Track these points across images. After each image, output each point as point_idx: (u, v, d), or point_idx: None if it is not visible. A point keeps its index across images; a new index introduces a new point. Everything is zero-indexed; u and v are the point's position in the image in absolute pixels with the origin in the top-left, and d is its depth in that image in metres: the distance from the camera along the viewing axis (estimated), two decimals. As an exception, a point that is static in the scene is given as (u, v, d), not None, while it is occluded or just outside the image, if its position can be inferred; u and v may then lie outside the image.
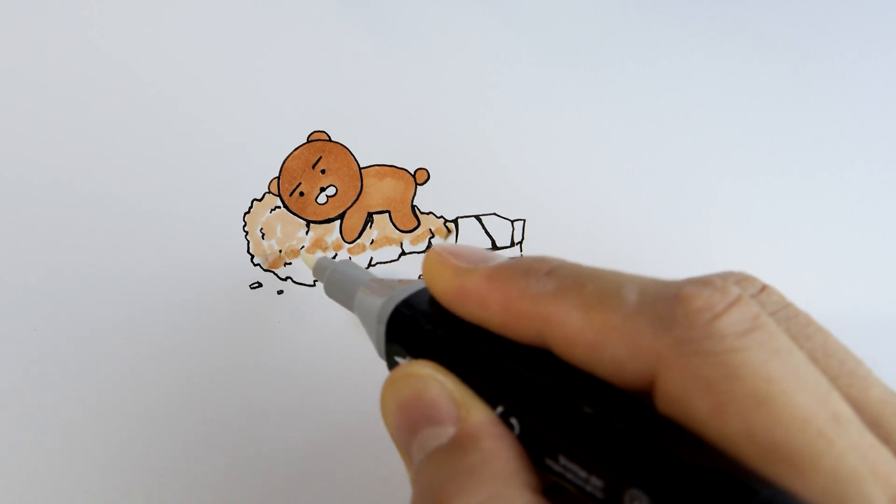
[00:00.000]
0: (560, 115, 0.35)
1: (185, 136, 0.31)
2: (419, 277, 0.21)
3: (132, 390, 0.32)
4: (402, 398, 0.18)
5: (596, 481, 0.15)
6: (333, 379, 0.34)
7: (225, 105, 0.32)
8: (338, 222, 0.34)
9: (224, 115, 0.32)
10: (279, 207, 0.33)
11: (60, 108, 0.30)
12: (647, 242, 0.36)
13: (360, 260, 0.34)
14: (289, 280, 0.33)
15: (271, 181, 0.33)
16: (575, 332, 0.16)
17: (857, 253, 0.38)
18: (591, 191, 0.36)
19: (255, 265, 0.33)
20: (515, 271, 0.18)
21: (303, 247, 0.33)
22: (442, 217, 0.35)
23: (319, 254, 0.33)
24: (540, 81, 0.35)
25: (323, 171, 0.33)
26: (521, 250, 0.35)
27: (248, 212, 0.32)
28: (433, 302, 0.20)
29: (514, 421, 0.17)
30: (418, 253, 0.35)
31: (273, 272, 0.33)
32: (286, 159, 0.33)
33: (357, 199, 0.34)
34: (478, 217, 0.35)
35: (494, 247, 0.35)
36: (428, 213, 0.34)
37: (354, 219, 0.34)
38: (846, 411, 0.14)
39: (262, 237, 0.33)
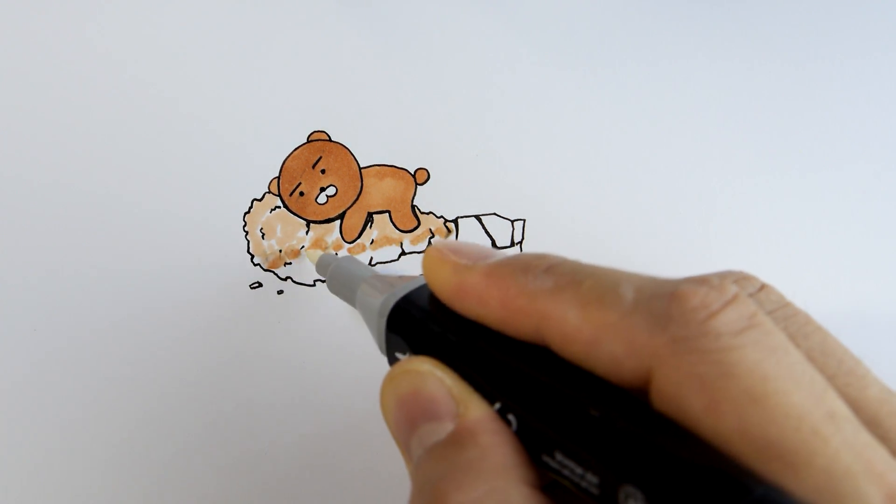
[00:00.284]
0: (560, 115, 0.35)
1: (185, 137, 0.31)
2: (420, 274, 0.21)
3: (132, 390, 0.32)
4: (401, 394, 0.18)
5: (591, 478, 0.15)
6: (333, 378, 0.34)
7: (225, 105, 0.32)
8: (338, 222, 0.34)
9: (224, 115, 0.32)
10: (279, 207, 0.33)
11: (60, 108, 0.30)
12: (647, 242, 0.36)
13: (360, 260, 0.34)
14: (289, 280, 0.33)
15: (271, 181, 0.33)
16: (572, 328, 0.16)
17: (856, 252, 0.38)
18: (591, 191, 0.36)
19: (255, 265, 0.33)
20: (514, 268, 0.18)
21: (303, 247, 0.33)
22: (442, 217, 0.35)
23: (322, 251, 0.33)
24: (540, 81, 0.35)
25: (323, 171, 0.33)
26: (521, 250, 0.35)
27: (248, 212, 0.32)
28: (433, 298, 0.20)
29: (511, 417, 0.17)
30: (418, 253, 0.35)
31: (273, 272, 0.33)
32: (286, 159, 0.33)
33: (357, 198, 0.34)
34: (478, 217, 0.35)
35: (494, 247, 0.35)
36: (428, 213, 0.34)
37: (354, 219, 0.34)
38: (842, 409, 0.14)
39: (262, 237, 0.33)
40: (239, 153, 0.32)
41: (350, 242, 0.34)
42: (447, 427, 0.17)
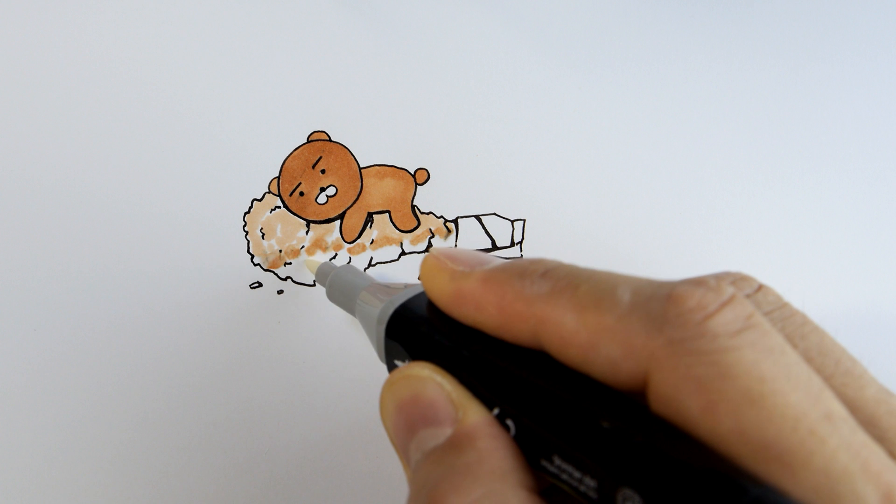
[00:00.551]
0: (560, 115, 0.35)
1: (185, 137, 0.31)
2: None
3: (132, 390, 0.32)
4: (400, 399, 0.19)
5: (589, 481, 0.15)
6: (333, 378, 0.34)
7: (225, 105, 0.32)
8: (338, 222, 0.34)
9: (224, 115, 0.32)
10: (279, 207, 0.33)
11: (60, 108, 0.30)
12: (647, 242, 0.36)
13: (361, 260, 0.34)
14: (289, 280, 0.33)
15: (271, 181, 0.33)
16: (569, 332, 0.16)
17: (854, 253, 0.38)
18: (591, 191, 0.36)
19: (255, 265, 0.33)
20: (510, 274, 0.18)
21: (303, 246, 0.33)
22: (442, 217, 0.35)
23: (321, 258, 0.33)
24: (540, 81, 0.35)
25: (323, 171, 0.33)
26: (521, 250, 0.35)
27: (248, 212, 0.32)
28: (431, 306, 0.20)
29: (509, 422, 0.17)
30: (418, 253, 0.35)
31: (273, 272, 0.33)
32: (286, 159, 0.33)
33: (357, 199, 0.34)
34: (478, 217, 0.35)
35: (494, 247, 0.35)
36: (428, 213, 0.34)
37: (354, 219, 0.34)
38: (839, 410, 0.14)
39: (262, 237, 0.33)
40: (239, 153, 0.32)
41: (350, 242, 0.34)
42: (446, 432, 0.18)
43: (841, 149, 0.38)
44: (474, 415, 0.18)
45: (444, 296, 0.19)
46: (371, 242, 0.34)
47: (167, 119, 0.31)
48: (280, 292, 0.33)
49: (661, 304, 0.15)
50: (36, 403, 0.31)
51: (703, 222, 0.37)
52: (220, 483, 0.33)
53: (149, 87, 0.31)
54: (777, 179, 0.38)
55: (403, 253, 0.35)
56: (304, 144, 0.33)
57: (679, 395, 0.15)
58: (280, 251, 0.33)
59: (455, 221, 0.35)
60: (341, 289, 0.28)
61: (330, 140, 0.33)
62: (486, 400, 0.18)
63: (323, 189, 0.33)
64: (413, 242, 0.35)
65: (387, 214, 0.34)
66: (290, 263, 0.33)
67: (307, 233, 0.33)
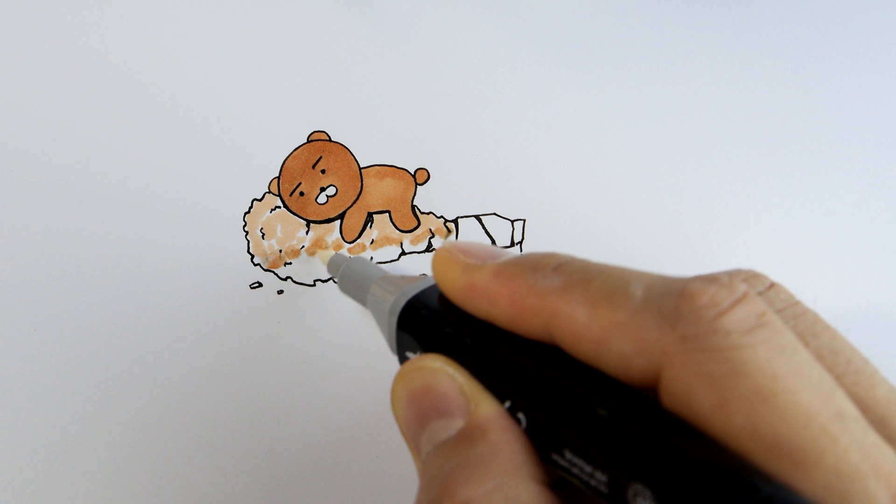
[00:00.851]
0: (560, 114, 0.35)
1: (185, 136, 0.31)
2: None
3: (132, 390, 0.32)
4: (412, 390, 0.19)
5: (600, 476, 0.15)
6: (333, 378, 0.34)
7: (225, 105, 0.32)
8: (338, 222, 0.34)
9: (224, 115, 0.32)
10: (279, 207, 0.33)
11: (60, 107, 0.30)
12: (648, 242, 0.36)
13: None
14: (289, 280, 0.33)
15: (271, 181, 0.33)
16: (581, 327, 0.16)
17: (863, 251, 0.39)
18: (591, 191, 0.36)
19: (255, 265, 0.33)
20: (523, 267, 0.18)
21: (303, 247, 0.33)
22: (442, 217, 0.35)
23: (334, 251, 0.33)
24: (540, 81, 0.35)
25: (323, 171, 0.33)
26: (521, 250, 0.35)
27: (248, 212, 0.32)
28: (443, 298, 0.20)
29: (521, 415, 0.17)
30: (418, 253, 0.35)
31: (273, 272, 0.33)
32: (286, 159, 0.33)
33: (357, 198, 0.34)
34: (478, 217, 0.35)
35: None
36: (428, 213, 0.34)
37: (354, 219, 0.34)
38: (850, 409, 0.14)
39: (262, 237, 0.33)
40: (239, 153, 0.32)
41: (350, 242, 0.34)
42: (457, 424, 0.18)
43: (842, 148, 0.38)
44: (486, 407, 0.18)
45: (456, 288, 0.19)
46: (371, 242, 0.34)
47: (167, 119, 0.31)
48: (280, 292, 0.33)
49: (674, 301, 0.15)
50: (36, 404, 0.31)
51: (704, 222, 0.37)
52: (221, 483, 0.33)
53: (149, 87, 0.31)
54: (778, 179, 0.38)
55: (403, 253, 0.34)
56: (304, 144, 0.33)
57: (691, 392, 0.15)
58: (280, 251, 0.33)
59: (455, 221, 0.35)
60: (353, 280, 0.27)
61: (330, 140, 0.33)
62: (498, 393, 0.18)
63: (323, 189, 0.33)
64: (413, 242, 0.35)
65: (387, 214, 0.34)
66: (291, 263, 0.33)
67: (307, 233, 0.33)
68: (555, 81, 0.35)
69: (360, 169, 0.34)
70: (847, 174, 0.38)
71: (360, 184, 0.34)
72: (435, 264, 0.20)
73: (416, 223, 0.34)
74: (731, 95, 0.37)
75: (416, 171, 0.34)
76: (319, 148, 0.33)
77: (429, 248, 0.35)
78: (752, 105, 0.37)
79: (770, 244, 0.38)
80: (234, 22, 0.32)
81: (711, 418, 0.14)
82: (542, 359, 0.17)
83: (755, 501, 0.13)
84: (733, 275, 0.16)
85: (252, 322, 0.33)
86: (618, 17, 0.36)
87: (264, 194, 0.32)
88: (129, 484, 0.32)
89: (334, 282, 0.33)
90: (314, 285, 0.33)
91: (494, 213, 0.35)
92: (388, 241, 0.34)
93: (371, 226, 0.34)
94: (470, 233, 0.35)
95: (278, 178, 0.33)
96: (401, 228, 0.34)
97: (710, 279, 0.16)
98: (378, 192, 0.34)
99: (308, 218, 0.33)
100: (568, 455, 0.16)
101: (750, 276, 0.17)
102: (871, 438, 0.14)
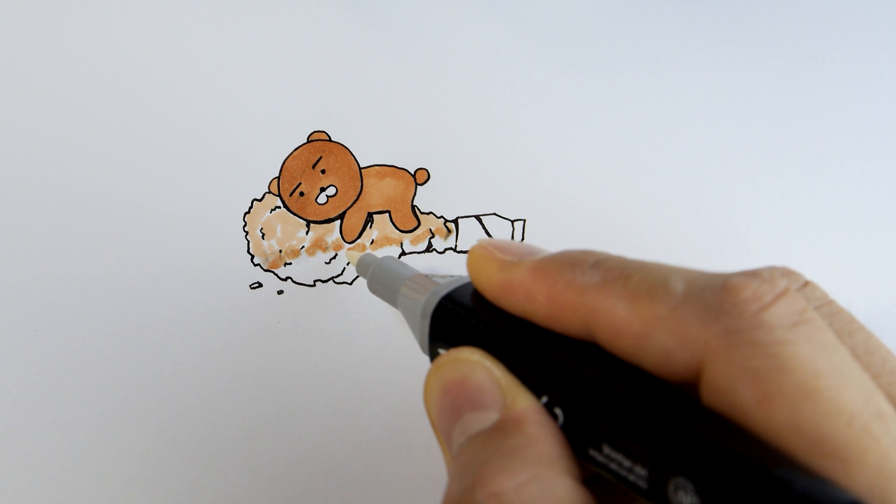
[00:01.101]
0: (560, 115, 0.35)
1: (186, 136, 0.31)
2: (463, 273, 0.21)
3: (132, 390, 0.32)
4: (447, 381, 0.18)
5: (640, 470, 0.15)
6: (333, 378, 0.34)
7: (225, 105, 0.32)
8: (338, 222, 0.34)
9: (224, 116, 0.32)
10: (279, 207, 0.33)
11: (60, 108, 0.30)
12: (648, 242, 0.36)
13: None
14: (289, 280, 0.33)
15: (271, 181, 0.33)
16: (622, 322, 0.16)
17: (864, 251, 0.39)
18: (591, 191, 0.36)
19: (255, 265, 0.33)
20: (561, 264, 0.18)
21: (303, 247, 0.33)
22: (442, 217, 0.35)
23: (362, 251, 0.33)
24: (540, 81, 0.35)
25: (323, 171, 0.33)
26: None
27: (248, 212, 0.32)
28: (477, 296, 0.20)
29: (558, 411, 0.17)
30: (418, 253, 0.35)
31: (273, 272, 0.33)
32: (286, 159, 0.33)
33: (357, 199, 0.34)
34: (478, 217, 0.35)
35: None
36: (428, 213, 0.34)
37: (355, 219, 0.34)
38: (889, 409, 0.14)
39: (262, 237, 0.33)
40: (239, 153, 0.32)
41: (350, 242, 0.34)
42: (492, 416, 0.17)
43: (842, 147, 0.38)
44: (523, 401, 0.17)
45: (493, 285, 0.19)
46: (371, 242, 0.34)
47: (167, 119, 0.31)
48: (280, 292, 0.33)
49: (717, 294, 0.15)
50: (36, 404, 0.31)
51: (704, 222, 0.37)
52: (220, 483, 0.33)
53: (149, 87, 0.31)
54: (778, 179, 0.38)
55: (403, 253, 0.34)
56: (304, 144, 0.33)
57: (734, 386, 0.15)
58: (280, 251, 0.33)
59: (455, 221, 0.35)
60: (383, 280, 0.27)
61: (330, 140, 0.33)
62: (535, 388, 0.18)
63: (323, 189, 0.33)
64: (413, 242, 0.35)
65: (387, 214, 0.34)
66: (291, 263, 0.33)
67: (307, 233, 0.33)
68: (555, 81, 0.35)
69: (360, 169, 0.34)
70: (846, 174, 0.38)
71: (360, 184, 0.34)
72: (470, 261, 0.20)
73: (416, 223, 0.34)
74: (731, 95, 0.37)
75: (416, 171, 0.34)
76: (319, 148, 0.33)
77: (429, 249, 0.35)
78: (751, 105, 0.37)
79: (770, 244, 0.38)
80: (235, 22, 0.32)
81: (754, 413, 0.14)
82: (581, 355, 0.17)
83: (799, 496, 0.13)
84: (772, 270, 0.16)
85: (252, 322, 0.33)
86: (618, 17, 0.36)
87: (264, 194, 0.33)
88: (128, 484, 0.32)
89: (334, 282, 0.34)
90: (314, 285, 0.33)
91: (494, 213, 0.35)
92: (388, 241, 0.34)
93: (371, 226, 0.34)
94: (470, 233, 0.35)
95: (278, 178, 0.33)
96: (401, 228, 0.34)
97: (752, 274, 0.16)
98: (378, 192, 0.34)
99: (308, 218, 0.33)
100: (606, 450, 0.16)
101: (785, 273, 0.17)
102: None
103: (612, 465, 0.16)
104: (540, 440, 0.17)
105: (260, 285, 0.33)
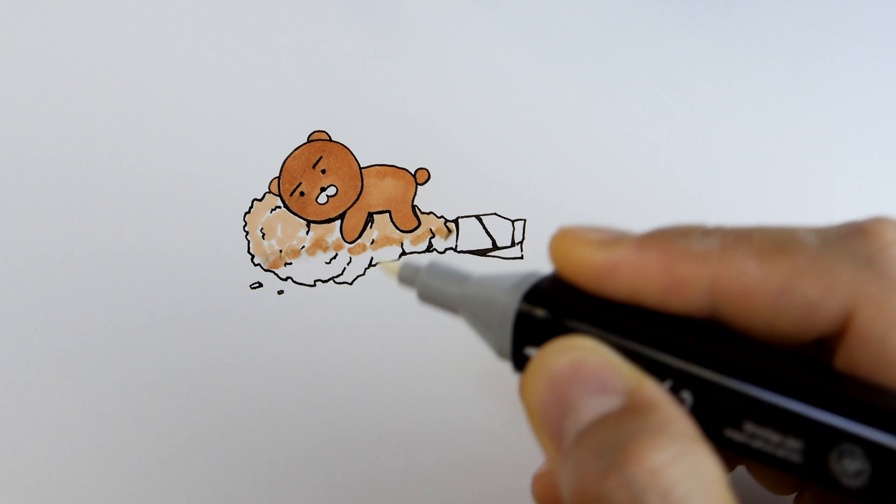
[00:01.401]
0: (560, 114, 0.35)
1: (186, 136, 0.31)
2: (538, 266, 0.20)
3: (131, 390, 0.32)
4: (556, 371, 0.17)
5: (793, 443, 0.15)
6: (333, 379, 0.34)
7: (225, 105, 0.32)
8: (338, 222, 0.34)
9: (225, 115, 0.32)
10: (279, 207, 0.33)
11: (60, 108, 0.30)
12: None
13: (361, 260, 0.34)
14: (289, 280, 0.33)
15: (271, 181, 0.33)
16: (755, 282, 0.15)
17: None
18: (591, 191, 0.36)
19: (255, 265, 0.33)
20: (671, 235, 0.17)
21: (303, 247, 0.33)
22: (442, 217, 0.35)
23: (397, 259, 0.31)
24: (540, 81, 0.35)
25: (323, 171, 0.33)
26: (522, 250, 0.35)
27: (249, 212, 0.32)
28: (563, 286, 0.18)
29: (686, 394, 0.16)
30: (418, 253, 0.35)
31: (273, 272, 0.33)
32: (286, 159, 0.33)
33: (357, 198, 0.34)
34: (478, 217, 0.35)
35: (495, 247, 0.35)
36: (428, 213, 0.34)
37: (355, 219, 0.34)
38: None
39: (263, 237, 0.33)
40: (239, 153, 0.32)
41: (350, 242, 0.34)
42: (615, 401, 0.16)
43: (842, 147, 0.38)
44: (650, 384, 0.16)
45: (592, 268, 0.17)
46: (371, 242, 0.34)
47: (168, 119, 0.31)
48: (280, 292, 0.33)
49: (861, 239, 0.15)
50: (36, 404, 0.31)
51: (705, 221, 0.37)
52: (219, 483, 0.33)
53: (149, 87, 0.31)
54: (778, 179, 0.38)
55: (404, 253, 0.34)
56: (304, 144, 0.33)
57: (891, 333, 0.14)
58: (280, 251, 0.33)
59: (455, 221, 0.35)
60: (441, 288, 0.24)
61: (330, 140, 0.33)
62: (656, 373, 0.16)
63: (323, 189, 0.33)
64: (413, 242, 0.35)
65: (387, 214, 0.34)
66: (291, 263, 0.33)
67: (307, 233, 0.33)
68: (555, 81, 0.35)
69: (361, 169, 0.34)
70: (846, 174, 0.38)
71: (360, 184, 0.34)
72: (555, 248, 0.18)
73: (416, 223, 0.34)
74: (731, 95, 0.37)
75: (416, 171, 0.34)
76: (320, 148, 0.33)
77: (429, 249, 0.35)
78: (751, 105, 0.37)
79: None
80: (235, 22, 0.32)
81: None
82: (704, 333, 0.16)
83: None
84: (884, 218, 0.16)
85: (252, 322, 0.33)
86: (618, 17, 0.36)
87: (265, 194, 0.33)
88: (128, 484, 0.32)
89: (335, 282, 0.33)
90: (314, 285, 0.33)
91: (494, 213, 0.35)
92: (388, 241, 0.34)
93: (371, 226, 0.34)
94: (470, 233, 0.35)
95: (278, 178, 0.33)
96: (401, 228, 0.34)
97: (878, 220, 0.15)
98: (378, 192, 0.34)
99: (308, 218, 0.33)
100: (749, 427, 0.15)
101: None
102: None
103: (756, 443, 0.15)
104: (679, 418, 0.15)
105: (260, 285, 0.33)
